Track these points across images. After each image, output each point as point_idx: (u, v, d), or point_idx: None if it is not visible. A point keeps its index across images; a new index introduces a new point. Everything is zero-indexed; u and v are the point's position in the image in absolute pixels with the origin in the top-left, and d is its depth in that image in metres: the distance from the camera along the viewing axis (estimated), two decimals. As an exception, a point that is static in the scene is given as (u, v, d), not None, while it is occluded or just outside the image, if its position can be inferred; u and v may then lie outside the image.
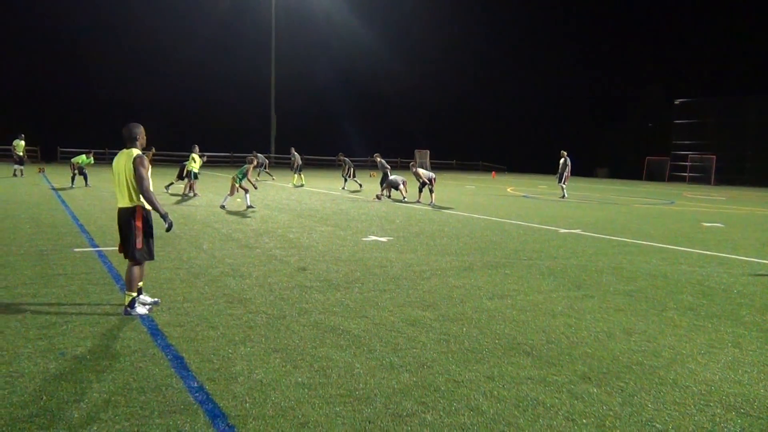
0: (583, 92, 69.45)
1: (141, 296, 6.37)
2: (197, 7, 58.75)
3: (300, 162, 29.63)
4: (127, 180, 6.15)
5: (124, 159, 6.21)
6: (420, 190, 21.21)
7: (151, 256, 6.39)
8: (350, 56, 67.08)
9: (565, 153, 25.22)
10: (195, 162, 20.28)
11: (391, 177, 22.37)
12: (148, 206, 6.30)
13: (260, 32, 57.21)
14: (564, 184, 25.46)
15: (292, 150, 30.30)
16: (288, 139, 57.44)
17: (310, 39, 65.87)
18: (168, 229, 6.55)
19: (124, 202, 6.22)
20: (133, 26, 56.68)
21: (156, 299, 6.56)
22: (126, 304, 6.12)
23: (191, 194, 20.45)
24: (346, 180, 28.42)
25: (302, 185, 28.53)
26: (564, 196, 25.36)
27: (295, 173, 29.46)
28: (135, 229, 6.17)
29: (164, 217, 6.43)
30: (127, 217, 6.21)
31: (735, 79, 59.37)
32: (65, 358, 4.83)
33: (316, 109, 64.76)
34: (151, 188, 6.26)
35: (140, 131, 6.37)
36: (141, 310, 6.14)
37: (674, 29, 65.46)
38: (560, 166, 25.33)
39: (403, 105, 70.43)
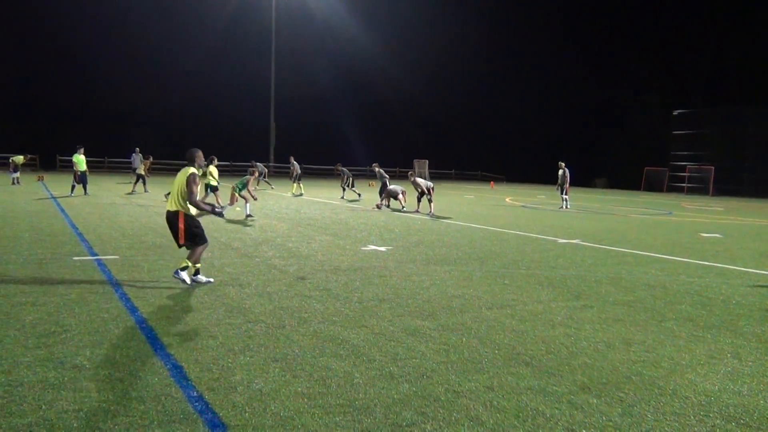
0: (581, 103, 69.65)
1: (199, 275, 8.08)
2: (198, 17, 59.01)
3: (299, 171, 29.68)
4: (178, 190, 7.74)
5: (181, 174, 7.84)
6: (419, 200, 21.20)
7: (200, 242, 7.93)
8: (350, 65, 67.35)
9: (563, 164, 25.29)
10: (213, 176, 18.68)
11: (391, 186, 22.41)
12: (193, 212, 7.88)
13: (261, 40, 57.48)
14: (566, 195, 25.46)
15: (291, 159, 30.39)
16: (287, 148, 57.64)
17: (311, 47, 66.16)
18: (221, 215, 8.50)
19: (171, 206, 7.83)
20: (133, 35, 56.88)
21: (210, 279, 8.20)
22: (188, 273, 7.90)
23: (227, 206, 17.41)
24: (344, 190, 28.46)
25: (301, 194, 28.57)
26: (565, 207, 25.35)
27: (294, 182, 29.50)
28: (179, 230, 7.77)
29: (215, 213, 8.21)
30: (172, 219, 7.82)
31: (733, 90, 59.59)
32: (64, 367, 4.82)
33: (316, 118, 64.88)
34: (198, 197, 7.77)
35: (198, 154, 8.07)
36: (201, 278, 8.07)
37: (672, 40, 65.77)
38: (559, 177, 25.37)
39: (403, 114, 70.63)
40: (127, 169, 48.55)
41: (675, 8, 66.62)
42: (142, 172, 26.68)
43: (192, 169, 7.82)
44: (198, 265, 8.03)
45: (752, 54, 57.48)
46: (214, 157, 19.17)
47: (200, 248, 7.93)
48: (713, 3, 62.27)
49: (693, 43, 63.14)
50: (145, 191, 25.90)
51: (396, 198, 21.97)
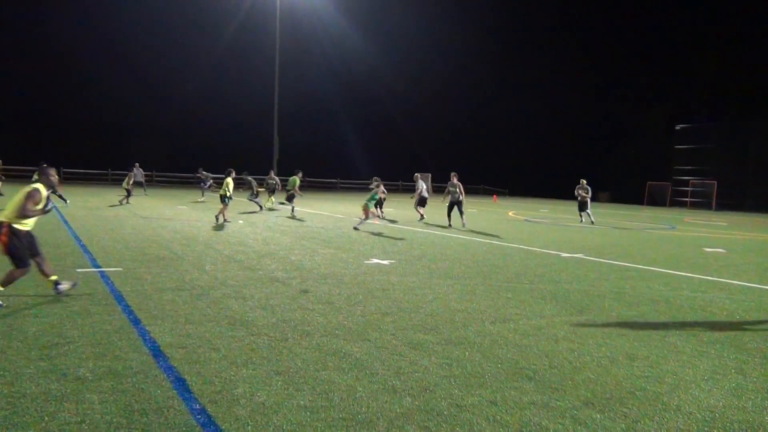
0: (585, 117, 69.79)
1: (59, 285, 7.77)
2: (202, 31, 59.46)
3: (278, 185, 29.30)
4: (15, 202, 7.33)
5: (24, 188, 7.48)
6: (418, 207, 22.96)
7: (17, 263, 7.28)
8: (353, 79, 67.63)
9: (585, 181, 25.33)
10: (228, 187, 19.05)
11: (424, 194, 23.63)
12: (28, 226, 7.43)
13: (264, 54, 57.83)
14: (588, 210, 25.52)
15: (272, 173, 30.48)
16: (291, 161, 57.79)
17: (314, 61, 66.53)
18: (48, 212, 7.75)
19: (1, 217, 7.29)
20: (137, 50, 57.25)
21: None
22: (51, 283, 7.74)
23: (220, 220, 19.00)
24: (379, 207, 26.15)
25: (272, 209, 27.03)
26: (591, 221, 25.45)
27: (270, 196, 29.15)
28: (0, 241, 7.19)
29: (45, 212, 7.61)
30: None
31: (736, 105, 59.67)
32: (67, 379, 4.82)
33: (319, 131, 65.11)
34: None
35: (48, 172, 7.81)
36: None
37: (675, 55, 66.00)
38: (581, 194, 25.38)
39: (406, 128, 70.84)
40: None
41: (678, 23, 66.92)
42: (129, 187, 26.75)
43: (36, 186, 7.47)
44: (55, 277, 7.74)
45: (755, 69, 57.61)
46: (232, 170, 19.75)
47: (17, 272, 7.25)
48: (715, 17, 62.54)
49: (695, 58, 63.34)
50: (127, 202, 26.14)
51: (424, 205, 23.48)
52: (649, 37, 68.47)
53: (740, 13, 60.39)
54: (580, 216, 26.14)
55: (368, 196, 19.30)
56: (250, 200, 26.16)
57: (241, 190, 30.99)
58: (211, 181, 33.80)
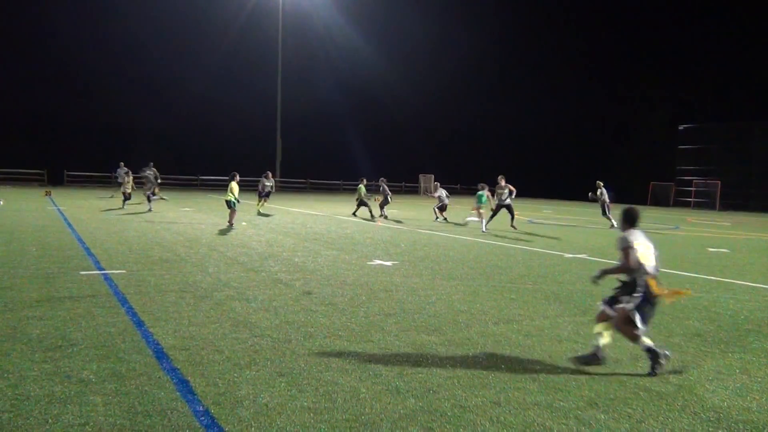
0: (588, 118, 69.72)
1: None
2: (204, 33, 59.53)
3: (273, 189, 27.06)
4: None
5: None
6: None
7: None
8: (356, 82, 67.63)
9: (602, 184, 24.23)
10: (233, 192, 18.39)
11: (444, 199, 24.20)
12: None
13: (267, 57, 57.92)
14: (609, 214, 23.88)
15: (269, 174, 26.71)
16: (294, 164, 57.87)
17: (317, 64, 66.56)
18: None
19: None
20: (140, 53, 57.35)
21: None
22: None
23: (233, 225, 18.27)
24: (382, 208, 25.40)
25: (259, 213, 24.47)
26: (612, 225, 23.42)
27: (263, 199, 25.90)
28: None
29: None
30: None
31: (739, 105, 59.52)
32: (71, 381, 4.83)
33: (322, 134, 65.12)
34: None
35: None
36: None
37: (679, 55, 65.89)
38: (600, 197, 24.00)
39: (409, 130, 70.83)
40: (137, 184, 48.85)
41: (681, 24, 66.84)
42: (129, 190, 25.23)
43: None
44: None
45: (758, 69, 57.49)
46: (236, 174, 19.09)
47: None
48: (719, 18, 62.45)
49: (699, 58, 63.23)
50: (122, 207, 24.32)
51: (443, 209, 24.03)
52: (652, 37, 68.39)
53: (744, 13, 60.29)
54: (610, 220, 23.77)
55: (476, 197, 21.46)
56: (146, 196, 24.32)
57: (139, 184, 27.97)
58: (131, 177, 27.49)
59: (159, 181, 26.79)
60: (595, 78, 69.39)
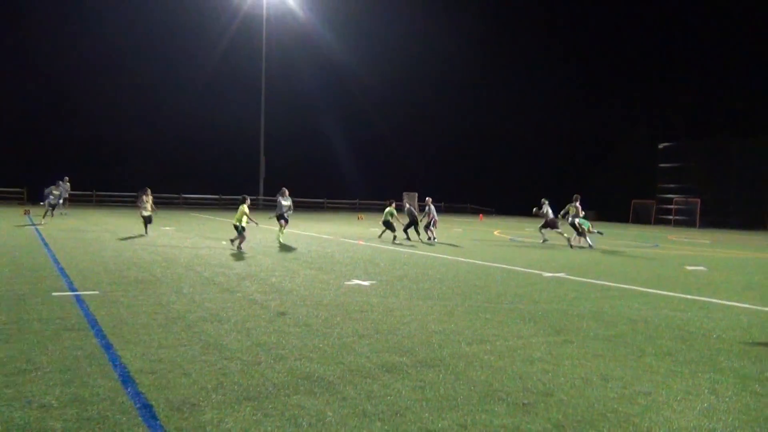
0: (569, 136, 70.45)
1: None
2: (188, 50, 59.57)
3: (290, 209, 21.64)
4: None
5: None
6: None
7: None
8: (341, 97, 67.98)
9: (546, 202, 24.55)
10: (242, 216, 17.34)
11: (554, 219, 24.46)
12: None
13: (251, 72, 58.00)
14: (543, 230, 24.85)
15: (286, 192, 21.48)
16: (278, 181, 57.74)
17: (301, 79, 66.80)
18: None
19: None
20: (124, 70, 57.27)
21: None
22: None
23: (242, 248, 17.32)
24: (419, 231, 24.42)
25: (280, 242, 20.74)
26: (544, 239, 25.21)
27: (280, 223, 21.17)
28: None
29: None
30: None
31: (718, 123, 60.46)
32: (31, 406, 4.74)
33: (307, 150, 65.19)
34: None
35: None
36: None
37: (657, 74, 66.98)
38: (544, 214, 24.45)
39: (392, 147, 71.19)
40: (118, 203, 48.48)
41: (660, 41, 67.98)
42: (149, 213, 21.78)
43: None
44: None
45: (737, 87, 58.55)
46: (247, 197, 18.14)
47: None
48: (698, 36, 63.62)
49: (678, 77, 64.29)
50: (146, 234, 21.54)
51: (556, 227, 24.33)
52: (632, 56, 69.45)
53: (722, 32, 61.45)
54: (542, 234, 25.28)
55: (577, 215, 22.81)
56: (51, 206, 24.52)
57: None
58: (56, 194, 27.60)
59: (67, 195, 26.31)
60: (576, 97, 70.24)
